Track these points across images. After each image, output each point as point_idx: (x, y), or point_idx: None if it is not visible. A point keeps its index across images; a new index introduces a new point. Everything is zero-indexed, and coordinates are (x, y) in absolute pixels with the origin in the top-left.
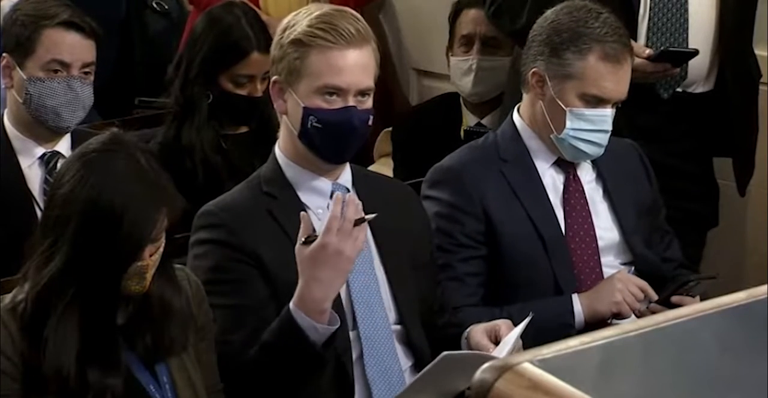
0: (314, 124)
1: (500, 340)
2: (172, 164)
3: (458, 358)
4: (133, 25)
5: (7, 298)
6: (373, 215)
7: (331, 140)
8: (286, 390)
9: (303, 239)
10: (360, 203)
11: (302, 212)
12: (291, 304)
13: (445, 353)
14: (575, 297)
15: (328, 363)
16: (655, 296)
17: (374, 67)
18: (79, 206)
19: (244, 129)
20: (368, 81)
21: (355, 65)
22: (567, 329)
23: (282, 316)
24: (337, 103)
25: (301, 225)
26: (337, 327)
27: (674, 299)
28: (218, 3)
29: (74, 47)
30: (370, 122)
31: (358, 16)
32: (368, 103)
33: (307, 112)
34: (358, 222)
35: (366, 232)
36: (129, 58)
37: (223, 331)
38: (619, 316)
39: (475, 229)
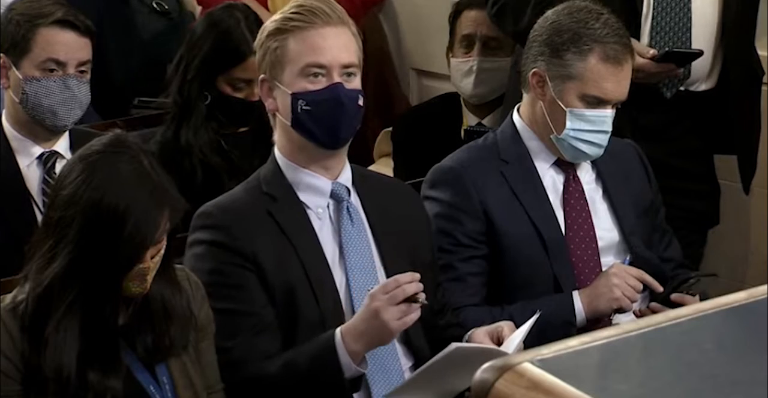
0: (303, 107)
1: (502, 342)
2: (171, 164)
3: (467, 352)
4: (113, 22)
5: (8, 298)
6: (425, 303)
7: (323, 120)
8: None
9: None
10: (422, 286)
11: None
12: (337, 332)
13: (456, 345)
14: (575, 295)
15: None
16: (654, 283)
17: (356, 48)
18: (82, 208)
19: (243, 129)
20: (350, 57)
21: (334, 42)
22: (569, 327)
23: (322, 341)
24: (322, 82)
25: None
26: (364, 372)
27: (674, 296)
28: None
29: (69, 46)
30: (361, 102)
31: (335, 4)
32: (355, 82)
33: (295, 97)
34: (411, 299)
35: (417, 313)
36: (123, 57)
37: (219, 337)
38: (620, 310)
39: (475, 229)
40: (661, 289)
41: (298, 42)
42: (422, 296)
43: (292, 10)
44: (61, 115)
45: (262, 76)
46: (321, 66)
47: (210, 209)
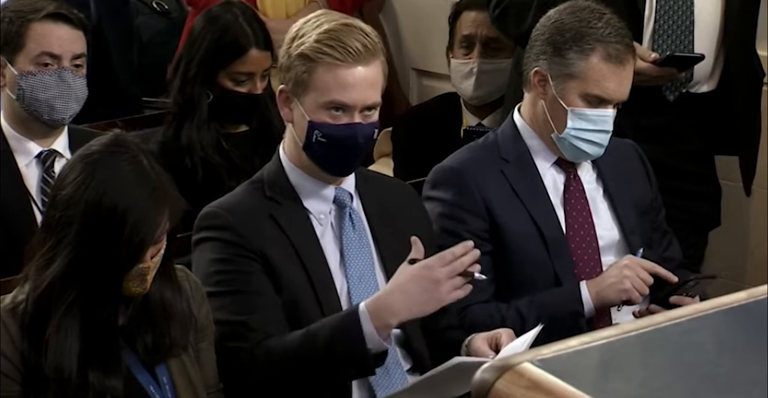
0: (319, 138)
1: (500, 348)
2: (172, 164)
3: (470, 367)
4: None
5: (8, 298)
6: (483, 277)
7: (335, 154)
8: (286, 390)
9: (410, 260)
10: (478, 253)
11: (413, 237)
12: (362, 305)
13: (458, 360)
14: (583, 285)
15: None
16: (668, 275)
17: (382, 80)
18: (82, 208)
19: (244, 128)
20: (375, 97)
21: (362, 82)
22: (577, 317)
23: (346, 313)
24: (342, 119)
25: (414, 248)
26: (388, 348)
27: (673, 299)
28: (216, 2)
29: (63, 39)
30: (375, 136)
31: (367, 29)
32: (374, 116)
33: (313, 126)
34: (466, 273)
35: (469, 287)
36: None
37: (236, 312)
38: (628, 302)
39: (479, 227)
40: (675, 279)
41: (326, 75)
42: (477, 268)
43: (326, 42)
44: (58, 108)
45: (282, 86)
46: (344, 105)
47: (216, 210)
